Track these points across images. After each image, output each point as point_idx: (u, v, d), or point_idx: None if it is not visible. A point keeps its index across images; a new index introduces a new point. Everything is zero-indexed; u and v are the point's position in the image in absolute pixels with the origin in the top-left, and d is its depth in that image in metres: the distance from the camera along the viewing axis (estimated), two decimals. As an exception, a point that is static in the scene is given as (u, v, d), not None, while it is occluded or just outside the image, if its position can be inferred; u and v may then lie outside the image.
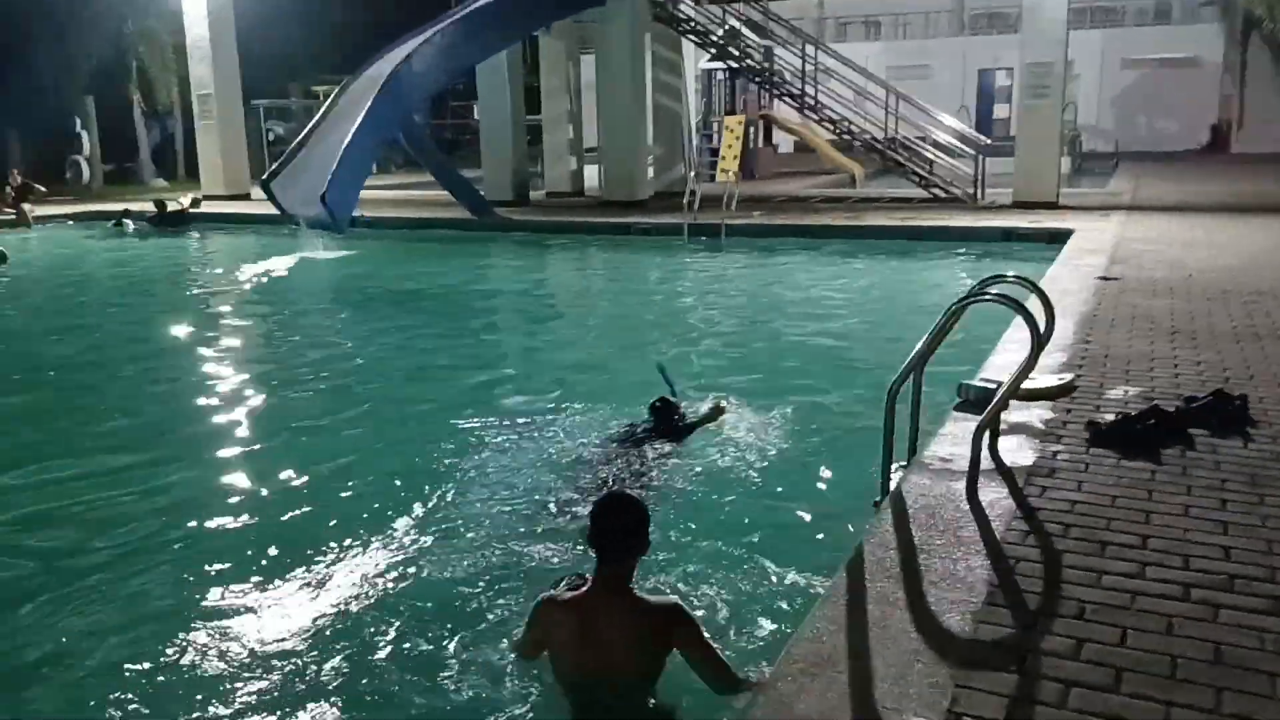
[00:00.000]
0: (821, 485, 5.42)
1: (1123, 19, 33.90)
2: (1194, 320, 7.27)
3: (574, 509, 4.88)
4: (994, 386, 5.18)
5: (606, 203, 17.70)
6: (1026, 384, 4.86)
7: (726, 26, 20.14)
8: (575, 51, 19.88)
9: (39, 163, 24.62)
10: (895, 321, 9.92)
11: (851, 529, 4.44)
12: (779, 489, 5.36)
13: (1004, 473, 4.23)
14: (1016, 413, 5.00)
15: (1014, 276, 4.93)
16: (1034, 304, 4.68)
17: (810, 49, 18.28)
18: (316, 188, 12.75)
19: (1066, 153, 24.61)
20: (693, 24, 18.36)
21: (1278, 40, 26.79)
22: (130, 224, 17.64)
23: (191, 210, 18.23)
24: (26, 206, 18.05)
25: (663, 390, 6.09)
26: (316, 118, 14.62)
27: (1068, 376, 5.60)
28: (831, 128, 18.28)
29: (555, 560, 4.40)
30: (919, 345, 4.53)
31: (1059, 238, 12.32)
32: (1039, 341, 4.31)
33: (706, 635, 3.20)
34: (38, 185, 18.97)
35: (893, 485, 4.28)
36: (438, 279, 13.18)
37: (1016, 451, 4.48)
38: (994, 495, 3.98)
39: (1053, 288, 8.47)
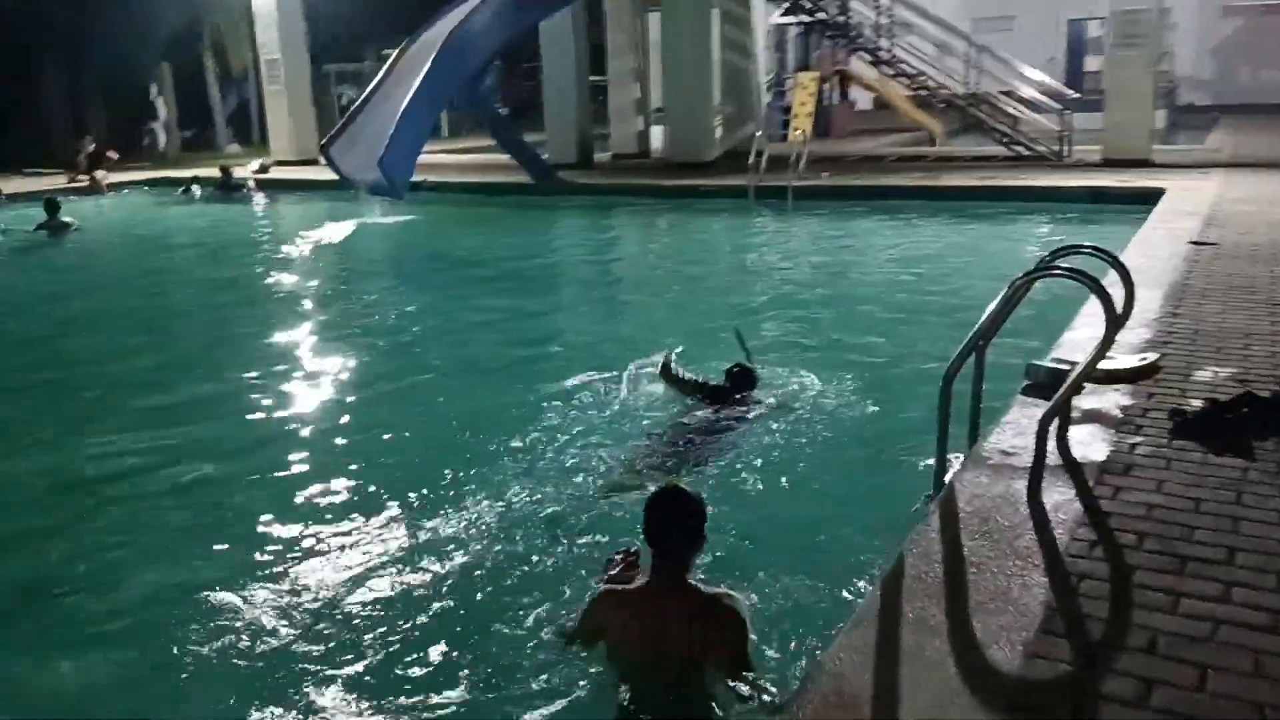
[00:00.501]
0: (876, 475, 5.02)
1: (1225, -37, 31.94)
2: (1294, 289, 6.63)
3: (644, 479, 4.73)
4: (1066, 368, 4.71)
5: (672, 164, 17.23)
6: (1103, 365, 4.39)
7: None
8: (642, 7, 19.31)
9: (117, 130, 25.05)
10: (970, 290, 9.31)
11: (900, 529, 4.04)
12: (829, 476, 4.97)
13: (1072, 469, 3.78)
14: (1090, 398, 4.52)
15: (1090, 247, 4.44)
16: (1112, 278, 4.19)
17: (886, 1, 17.45)
18: (374, 153, 12.56)
19: (1162, 106, 23.37)
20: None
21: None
22: (198, 190, 17.73)
23: (259, 176, 18.26)
24: (100, 174, 18.26)
25: (737, 356, 5.94)
26: (374, 82, 14.41)
27: (1150, 356, 5.08)
28: (908, 83, 17.49)
29: (625, 531, 4.11)
30: (980, 322, 4.09)
31: (1150, 198, 11.53)
32: (1115, 321, 3.84)
33: (751, 639, 3.06)
34: (110, 153, 19.16)
35: (947, 480, 3.87)
36: (498, 245, 12.94)
37: (1088, 444, 4.02)
38: (1059, 496, 3.54)
39: (1140, 254, 7.93)
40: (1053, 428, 4.03)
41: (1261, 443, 3.96)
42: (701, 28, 16.84)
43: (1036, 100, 16.22)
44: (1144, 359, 5.05)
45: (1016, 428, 4.21)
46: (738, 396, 5.68)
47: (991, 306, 4.07)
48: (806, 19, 17.96)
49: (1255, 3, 29.70)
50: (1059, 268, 4.00)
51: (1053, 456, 3.87)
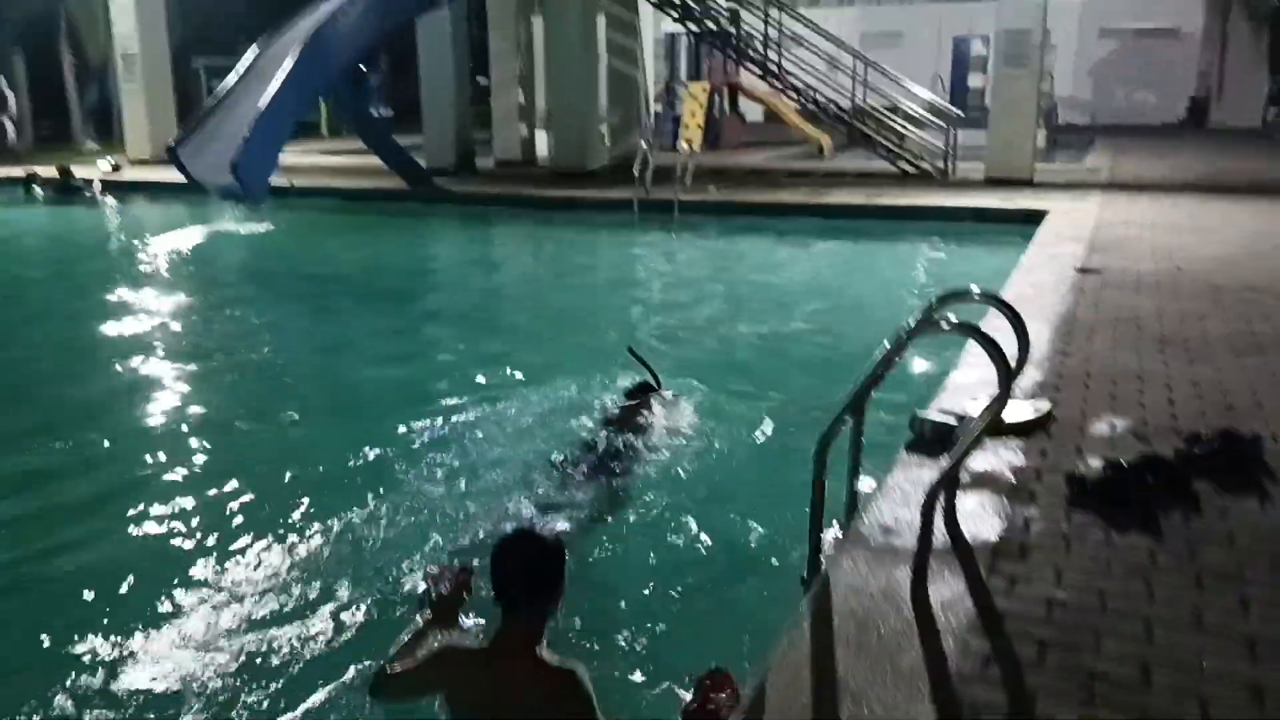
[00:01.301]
0: (750, 539, 4.49)
1: (1102, -14, 32.86)
2: (1185, 324, 6.36)
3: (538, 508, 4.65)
4: (953, 421, 4.26)
5: (557, 174, 16.60)
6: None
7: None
8: (527, 9, 18.66)
9: (-38, 124, 23.28)
10: (854, 313, 9.03)
11: (770, 616, 3.49)
12: (697, 542, 4.44)
13: (962, 552, 3.29)
14: (980, 455, 4.07)
15: (978, 294, 3.98)
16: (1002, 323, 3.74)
17: (774, 12, 17.14)
18: (227, 155, 11.60)
19: (1042, 125, 23.73)
20: (652, -17, 17.18)
21: (1260, 9, 25.91)
22: (39, 191, 16.37)
23: (108, 177, 16.99)
24: (-70, 171, 16.75)
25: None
26: (231, 79, 13.40)
27: (1044, 406, 4.66)
28: (795, 96, 17.23)
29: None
30: (855, 385, 3.58)
31: (1033, 219, 11.39)
32: (1008, 379, 3.36)
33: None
34: (-58, 148, 17.65)
35: (823, 564, 3.35)
36: (366, 256, 12.17)
37: (979, 518, 3.54)
38: (948, 592, 3.03)
39: (1026, 282, 7.66)
40: (939, 499, 3.54)
41: (1167, 512, 3.54)
42: (586, 32, 16.28)
43: (921, 117, 16.11)
44: (1038, 409, 4.63)
45: (899, 496, 3.72)
46: (641, 414, 5.56)
47: (869, 366, 3.56)
48: (694, 28, 17.49)
49: (1130, 26, 30.60)
50: (946, 320, 3.51)
51: (939, 535, 3.38)
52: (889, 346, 3.56)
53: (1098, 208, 11.90)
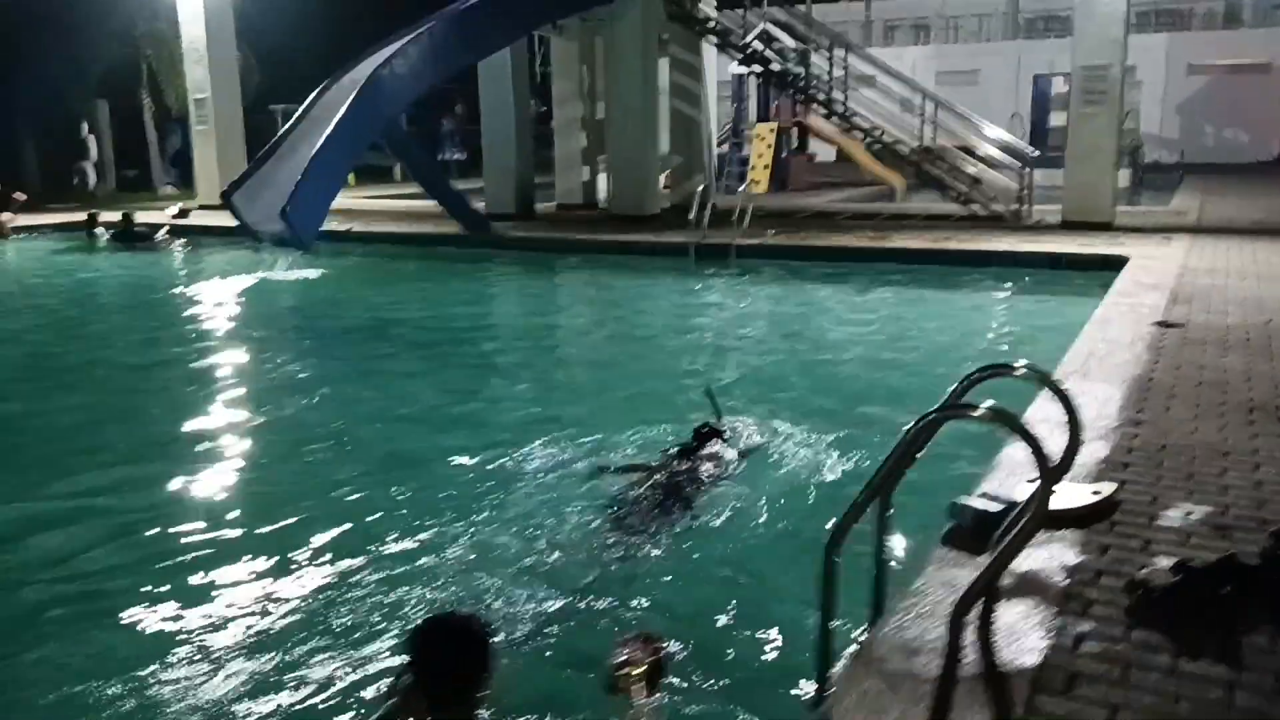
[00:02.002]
0: (774, 625, 3.98)
1: (1189, 22, 31.81)
2: (1278, 390, 5.70)
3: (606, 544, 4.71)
4: (997, 508, 3.71)
5: (615, 217, 16.32)
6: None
7: (759, 28, 18.70)
8: (589, 53, 18.51)
9: (49, 170, 23.93)
10: (911, 366, 8.45)
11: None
12: (719, 629, 3.98)
13: (995, 682, 2.76)
14: (1028, 549, 3.51)
15: (1022, 367, 3.46)
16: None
17: (840, 52, 16.70)
18: (279, 201, 11.53)
19: (1127, 164, 22.79)
20: (714, 24, 16.87)
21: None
22: (102, 234, 16.61)
23: (176, 221, 17.18)
24: (6, 216, 17.09)
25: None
26: (287, 125, 13.41)
27: (1106, 488, 4.09)
28: (861, 136, 16.73)
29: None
30: (876, 472, 3.09)
31: (1112, 265, 10.72)
32: (1050, 478, 2.84)
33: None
34: (17, 194, 18.02)
35: (830, 685, 2.86)
36: (416, 303, 11.91)
37: (1020, 634, 3.01)
38: (973, 740, 2.51)
39: (1099, 336, 7.03)
40: (972, 611, 3.02)
41: (1251, 635, 2.97)
42: (646, 75, 16.02)
43: (994, 157, 15.46)
44: (1097, 492, 4.07)
45: (928, 604, 3.20)
46: (704, 453, 5.49)
47: (890, 452, 3.07)
48: (759, 68, 17.12)
49: (1219, 62, 29.47)
50: (971, 408, 3.01)
51: (970, 658, 2.86)
52: (915, 428, 3.08)
53: (1182, 254, 11.16)
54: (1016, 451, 4.63)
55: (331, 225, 16.08)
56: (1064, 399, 3.21)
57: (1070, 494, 4.00)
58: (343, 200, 20.57)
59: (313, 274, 12.93)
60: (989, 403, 3.06)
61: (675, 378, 8.14)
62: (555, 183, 19.14)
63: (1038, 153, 15.17)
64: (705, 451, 5.52)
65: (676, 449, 5.58)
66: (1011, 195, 14.88)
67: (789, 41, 18.78)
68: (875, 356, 8.72)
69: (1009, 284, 11.30)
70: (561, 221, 16.92)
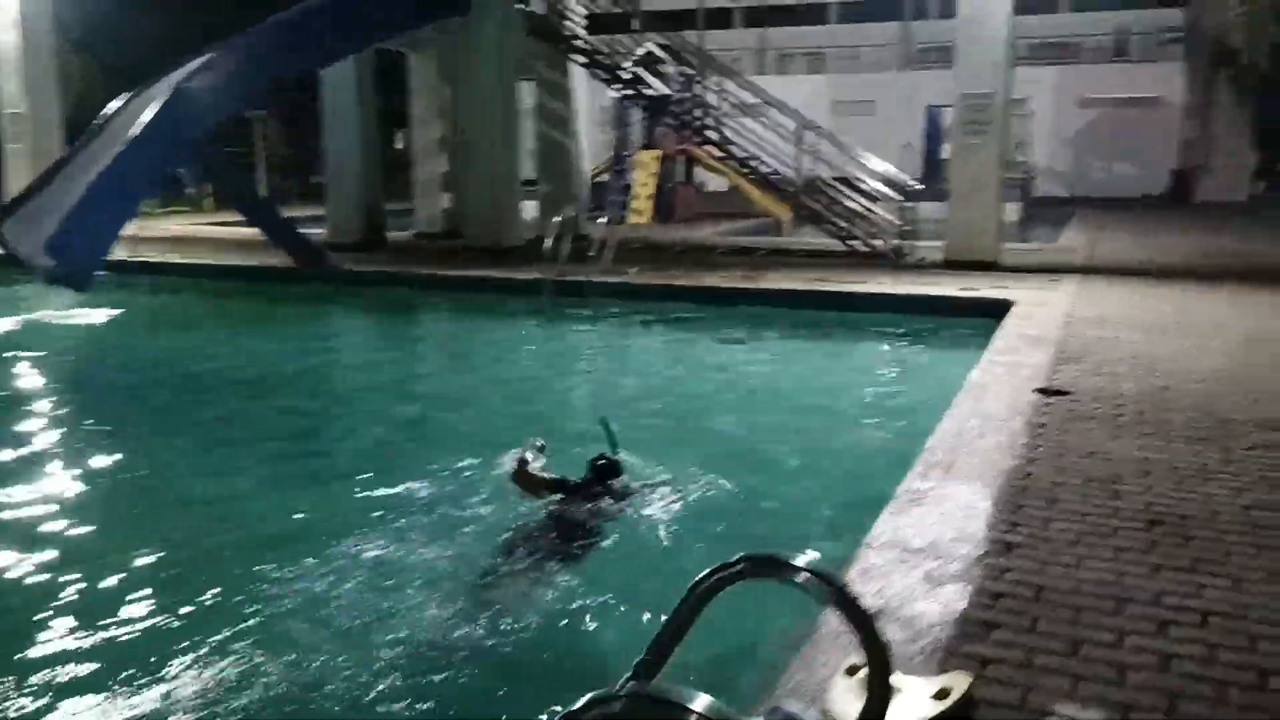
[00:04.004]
0: None
1: (1079, 55, 31.80)
2: (1181, 487, 4.55)
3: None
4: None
5: (471, 249, 14.88)
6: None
7: (643, 50, 17.51)
8: (450, 70, 17.06)
9: None
10: (774, 427, 7.24)
11: None
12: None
13: None
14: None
15: (805, 568, 2.14)
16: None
17: (721, 79, 15.60)
18: (47, 233, 9.83)
19: (1017, 198, 22.22)
20: (582, 43, 15.60)
21: (1254, 75, 24.62)
22: None
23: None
24: None
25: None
26: (78, 143, 11.69)
27: (956, 683, 2.81)
28: (736, 166, 15.62)
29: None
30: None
31: (995, 311, 9.70)
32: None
33: None
34: None
35: None
36: (229, 348, 10.34)
37: None
38: None
39: (972, 409, 5.86)
40: None
41: None
42: (506, 94, 14.66)
43: (878, 190, 14.45)
44: (944, 692, 2.77)
45: None
46: (600, 489, 5.38)
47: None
48: (629, 92, 15.89)
49: (1110, 95, 29.38)
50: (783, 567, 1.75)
51: None
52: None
53: (1069, 299, 10.19)
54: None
55: (151, 256, 14.44)
56: (856, 616, 1.89)
57: (909, 698, 2.71)
58: (168, 226, 18.78)
59: (100, 315, 11.18)
60: (809, 557, 1.81)
61: (501, 429, 7.09)
62: (415, 210, 17.62)
63: (920, 186, 14.21)
64: (602, 485, 5.41)
65: (574, 482, 5.38)
66: (894, 231, 13.88)
67: (672, 67, 17.71)
68: (716, 416, 7.48)
69: (884, 331, 10.19)
70: (415, 253, 15.40)
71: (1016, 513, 4.24)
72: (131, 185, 10.82)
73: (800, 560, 1.97)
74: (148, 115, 10.91)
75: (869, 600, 3.36)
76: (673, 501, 5.50)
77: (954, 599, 3.40)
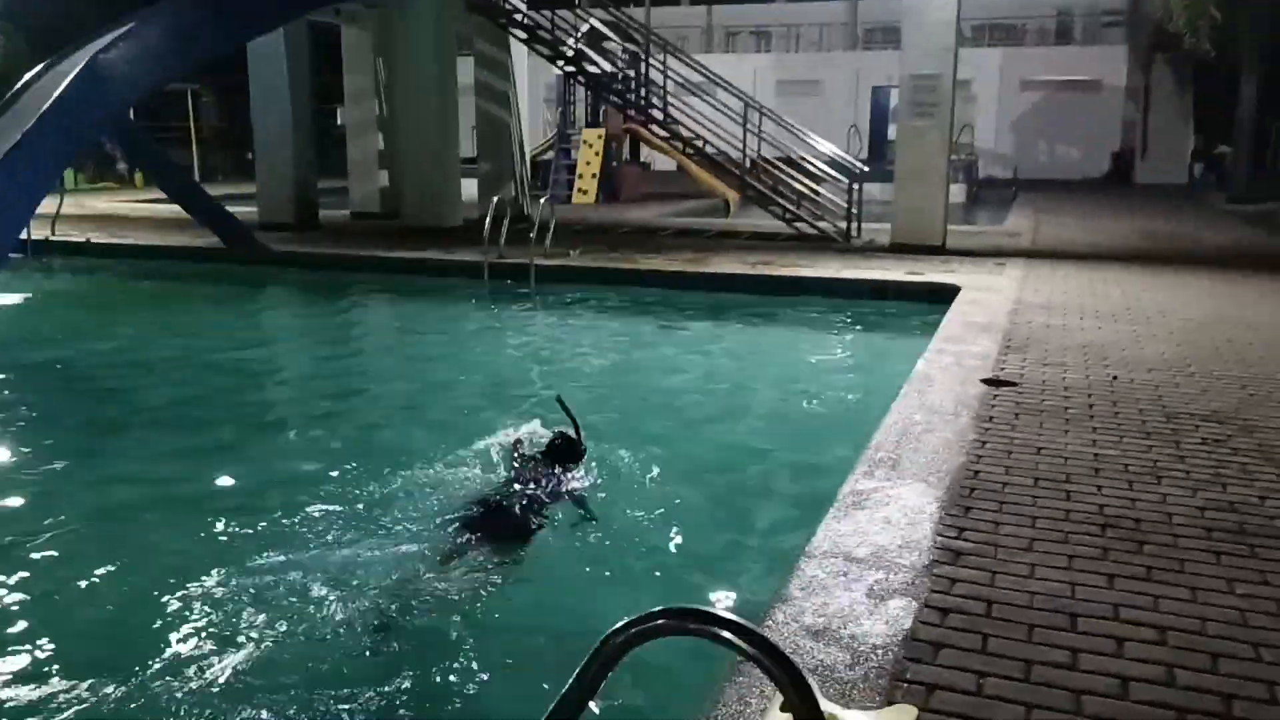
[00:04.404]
0: None
1: (1023, 37, 31.88)
2: (1135, 488, 4.37)
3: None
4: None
5: (412, 229, 14.44)
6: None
7: (585, 27, 17.13)
8: (385, 44, 16.53)
9: None
10: (712, 418, 7.00)
11: None
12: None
13: None
14: None
15: (728, 627, 1.87)
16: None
17: (664, 57, 15.27)
18: (-48, 211, 9.24)
19: (962, 179, 22.19)
20: (522, 18, 15.16)
21: (1184, 63, 24.83)
22: None
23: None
24: None
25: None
26: (-14, 116, 11.03)
27: (894, 718, 2.58)
28: (680, 146, 15.33)
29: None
30: None
31: (942, 296, 9.56)
32: None
33: None
34: None
35: None
36: (147, 336, 9.85)
37: None
38: None
39: (917, 402, 5.66)
40: None
41: None
42: (443, 70, 14.20)
43: (823, 173, 14.25)
44: (902, 712, 2.55)
45: None
46: (560, 469, 5.28)
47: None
48: (569, 69, 15.51)
49: (1053, 77, 29.49)
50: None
51: None
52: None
53: (1016, 284, 10.07)
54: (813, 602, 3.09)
55: (70, 234, 13.83)
56: (799, 691, 1.63)
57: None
58: (96, 203, 18.06)
59: (9, 299, 10.62)
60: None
61: (437, 418, 6.94)
62: (350, 189, 17.10)
63: (866, 168, 14.03)
64: (561, 462, 5.31)
65: (532, 460, 5.32)
66: (840, 213, 13.70)
67: (617, 44, 17.36)
68: (653, 406, 7.22)
69: (830, 317, 10.01)
70: (349, 234, 14.91)
71: (965, 516, 4.04)
72: (42, 162, 10.19)
73: (721, 612, 1.70)
74: (59, 88, 10.31)
75: (809, 619, 3.13)
76: (620, 489, 5.41)
77: (900, 616, 3.17)
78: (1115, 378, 6.32)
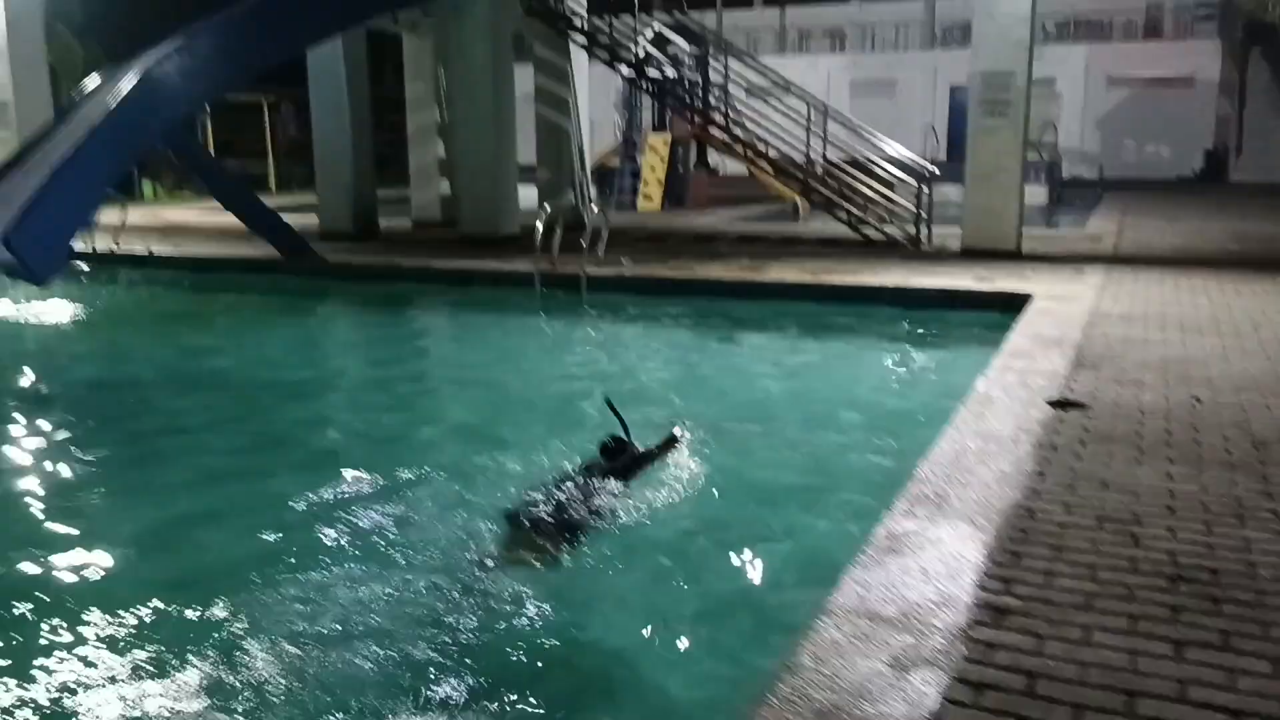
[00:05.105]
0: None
1: (1109, 33, 30.67)
2: (1214, 532, 3.85)
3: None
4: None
5: (465, 238, 14.27)
6: None
7: (652, 30, 16.80)
8: (444, 53, 16.42)
9: None
10: (757, 440, 6.57)
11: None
12: None
13: None
14: None
15: None
16: None
17: (728, 60, 14.86)
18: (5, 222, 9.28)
19: (1043, 182, 21.30)
20: (580, 23, 14.88)
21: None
22: None
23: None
24: None
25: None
26: (42, 129, 11.13)
27: None
28: (742, 150, 14.89)
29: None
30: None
31: (1013, 305, 8.99)
32: None
33: None
34: None
35: None
36: (217, 349, 9.80)
37: None
38: None
39: (973, 427, 5.21)
40: None
41: None
42: (499, 76, 13.98)
43: (893, 176, 13.68)
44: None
45: None
46: (610, 470, 5.28)
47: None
48: (628, 73, 15.18)
49: (1141, 74, 28.29)
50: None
51: None
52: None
53: (1094, 292, 9.43)
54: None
55: (134, 246, 13.95)
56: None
57: None
58: (168, 214, 18.28)
59: (54, 310, 10.64)
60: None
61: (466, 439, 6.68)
62: (411, 198, 17.02)
63: (937, 171, 13.42)
64: (612, 465, 5.33)
65: (583, 465, 5.37)
66: (910, 217, 13.13)
67: (685, 47, 17.00)
68: (700, 423, 6.79)
69: (891, 328, 9.49)
70: (408, 244, 14.79)
71: (1015, 565, 3.57)
72: (94, 174, 10.22)
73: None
74: (113, 101, 10.34)
75: (817, 694, 2.72)
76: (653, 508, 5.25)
77: (924, 693, 2.74)
78: (1198, 400, 5.74)
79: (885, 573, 3.52)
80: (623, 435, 5.52)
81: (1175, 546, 3.72)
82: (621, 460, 5.39)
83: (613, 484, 5.21)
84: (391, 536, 4.95)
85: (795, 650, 3.01)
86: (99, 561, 4.87)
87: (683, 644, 4.04)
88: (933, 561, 3.60)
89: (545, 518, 4.87)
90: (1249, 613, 3.22)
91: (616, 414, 5.60)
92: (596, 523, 4.95)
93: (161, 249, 13.64)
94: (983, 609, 3.24)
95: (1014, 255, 11.71)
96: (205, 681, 3.70)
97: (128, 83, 10.58)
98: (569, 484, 5.19)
